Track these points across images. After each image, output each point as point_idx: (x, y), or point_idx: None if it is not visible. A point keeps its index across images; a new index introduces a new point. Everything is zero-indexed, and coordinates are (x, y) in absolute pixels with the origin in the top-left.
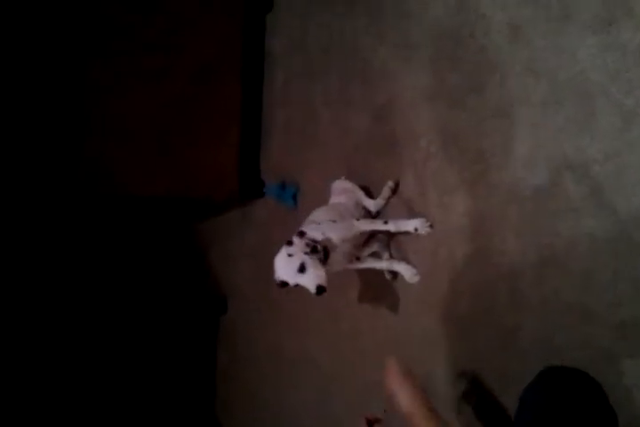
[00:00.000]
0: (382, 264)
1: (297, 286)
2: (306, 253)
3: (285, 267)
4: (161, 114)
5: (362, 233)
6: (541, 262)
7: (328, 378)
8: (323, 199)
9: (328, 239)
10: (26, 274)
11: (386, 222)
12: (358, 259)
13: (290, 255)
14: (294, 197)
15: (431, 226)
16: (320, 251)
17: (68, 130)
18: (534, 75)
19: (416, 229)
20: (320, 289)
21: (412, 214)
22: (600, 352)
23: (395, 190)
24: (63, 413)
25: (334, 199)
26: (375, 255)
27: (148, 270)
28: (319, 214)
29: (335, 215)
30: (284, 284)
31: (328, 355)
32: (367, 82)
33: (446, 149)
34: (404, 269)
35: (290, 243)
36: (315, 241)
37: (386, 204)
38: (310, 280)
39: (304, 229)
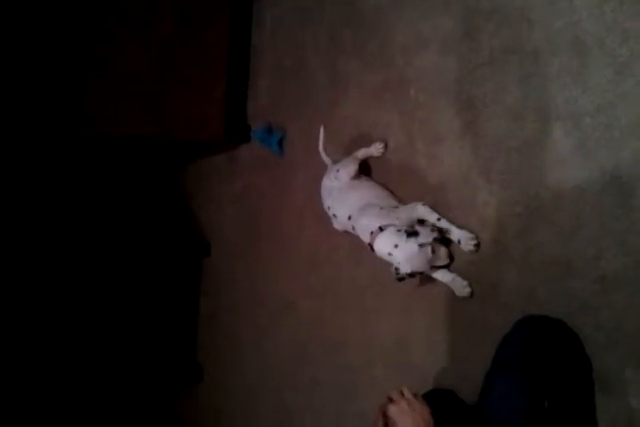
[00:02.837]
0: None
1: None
2: (435, 239)
3: (417, 260)
4: (147, 55)
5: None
6: (526, 215)
7: (308, 325)
8: (309, 146)
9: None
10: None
11: (439, 219)
12: None
13: (421, 245)
14: (280, 143)
15: (477, 245)
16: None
17: (52, 71)
18: (529, 23)
19: (459, 242)
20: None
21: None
22: (579, 305)
23: (383, 152)
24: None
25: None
26: None
27: (131, 212)
28: (367, 194)
29: (385, 196)
30: (411, 275)
31: (309, 302)
32: (359, 27)
33: (435, 97)
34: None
35: (415, 233)
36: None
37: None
38: (443, 259)
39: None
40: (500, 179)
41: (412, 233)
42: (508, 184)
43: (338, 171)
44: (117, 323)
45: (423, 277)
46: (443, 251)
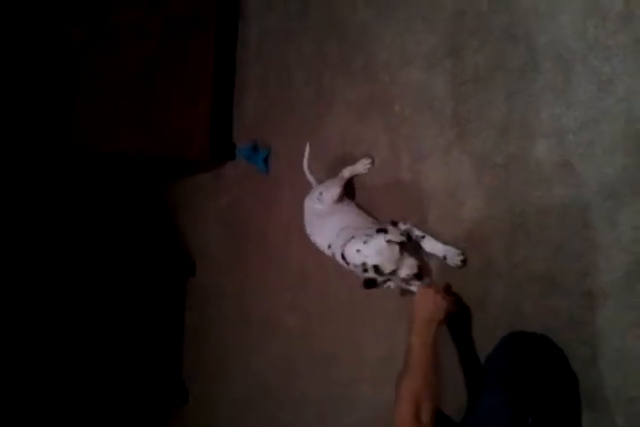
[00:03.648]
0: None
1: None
2: (402, 242)
3: (385, 253)
4: (133, 70)
5: None
6: (511, 230)
7: (295, 340)
8: (295, 162)
9: None
10: None
11: (423, 237)
12: None
13: (389, 242)
14: (266, 161)
15: (463, 261)
16: (413, 239)
17: (37, 86)
18: (513, 40)
19: (445, 258)
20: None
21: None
22: (565, 320)
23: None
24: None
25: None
26: None
27: (116, 230)
28: (346, 218)
29: (363, 221)
30: (379, 271)
31: (297, 317)
32: (344, 42)
33: (420, 113)
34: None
35: (384, 230)
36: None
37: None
38: (409, 267)
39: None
40: (486, 195)
41: (381, 229)
42: (493, 200)
43: (321, 194)
44: (100, 345)
45: (403, 289)
46: (411, 260)
